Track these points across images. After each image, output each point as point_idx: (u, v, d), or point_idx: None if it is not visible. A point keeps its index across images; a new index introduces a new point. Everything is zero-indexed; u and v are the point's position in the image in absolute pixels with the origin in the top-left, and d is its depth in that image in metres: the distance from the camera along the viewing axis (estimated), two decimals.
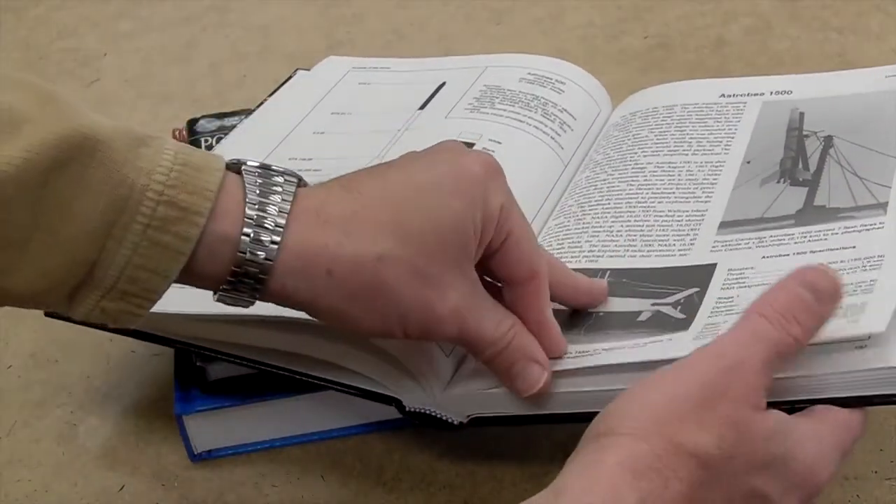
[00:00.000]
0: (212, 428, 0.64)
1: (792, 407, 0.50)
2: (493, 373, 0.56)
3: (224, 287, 0.51)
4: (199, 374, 0.64)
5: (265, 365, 0.61)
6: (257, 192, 0.50)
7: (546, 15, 1.04)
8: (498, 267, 0.55)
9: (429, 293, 0.52)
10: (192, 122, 0.82)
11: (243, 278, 0.50)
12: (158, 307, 0.62)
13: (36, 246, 0.47)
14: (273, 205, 0.50)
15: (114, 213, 0.47)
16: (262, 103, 0.80)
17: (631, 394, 0.47)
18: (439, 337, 0.55)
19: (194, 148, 0.50)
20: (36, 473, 0.65)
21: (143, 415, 0.68)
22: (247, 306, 0.52)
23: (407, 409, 0.59)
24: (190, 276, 0.50)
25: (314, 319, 0.58)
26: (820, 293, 0.49)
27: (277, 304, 0.52)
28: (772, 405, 0.48)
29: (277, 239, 0.50)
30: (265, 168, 0.51)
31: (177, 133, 0.83)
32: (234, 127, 0.78)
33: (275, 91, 0.82)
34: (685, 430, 0.45)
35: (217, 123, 0.81)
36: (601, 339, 0.57)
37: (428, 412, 0.58)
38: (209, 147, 0.78)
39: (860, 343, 0.51)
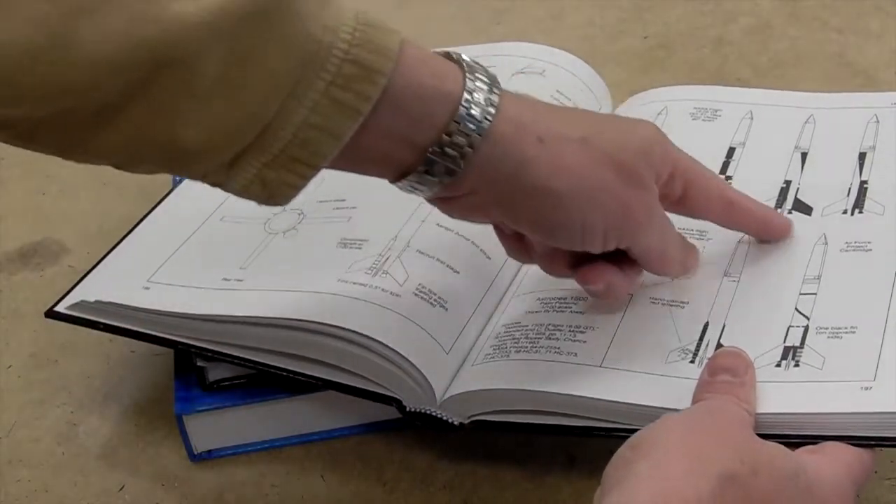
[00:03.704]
0: (212, 428, 0.64)
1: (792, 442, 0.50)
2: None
3: (432, 151, 0.50)
4: (199, 374, 0.64)
5: (265, 365, 0.61)
6: (467, 69, 0.51)
7: (546, 15, 1.04)
8: (692, 213, 0.59)
9: (628, 191, 0.53)
10: None
11: (457, 141, 0.50)
12: (158, 306, 0.62)
13: (219, 98, 0.46)
14: (485, 81, 0.51)
15: (300, 69, 0.47)
16: None
17: (656, 423, 0.48)
18: (622, 243, 0.55)
19: (367, 8, 0.50)
20: (36, 473, 0.65)
21: (143, 415, 0.68)
22: (434, 191, 0.52)
23: (407, 409, 0.59)
24: (375, 144, 0.50)
25: (314, 322, 0.58)
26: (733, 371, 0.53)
27: (465, 191, 0.52)
28: (777, 441, 0.49)
29: (494, 104, 0.51)
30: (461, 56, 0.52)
31: None
32: None
33: None
34: (708, 449, 0.46)
35: None
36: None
37: (428, 413, 0.58)
38: None
39: (866, 385, 0.51)
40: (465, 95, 0.50)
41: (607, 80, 0.80)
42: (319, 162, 0.49)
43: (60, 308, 0.65)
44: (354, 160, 0.51)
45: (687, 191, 0.57)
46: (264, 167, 0.48)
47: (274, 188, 0.49)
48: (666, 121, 0.73)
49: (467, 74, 0.51)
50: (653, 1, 1.04)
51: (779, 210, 0.64)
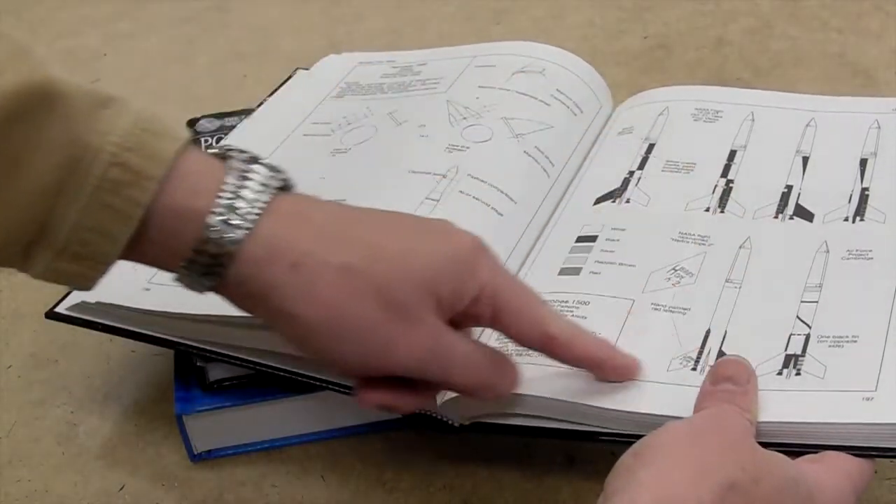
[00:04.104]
0: (212, 428, 0.64)
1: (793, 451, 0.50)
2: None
3: (181, 266, 0.50)
4: (199, 374, 0.64)
5: (265, 366, 0.61)
6: (238, 178, 0.49)
7: (546, 15, 1.04)
8: (507, 335, 0.54)
9: (390, 326, 0.50)
10: (192, 122, 0.82)
11: (203, 260, 0.49)
12: (158, 307, 0.62)
13: None
14: (252, 193, 0.49)
15: (65, 172, 0.47)
16: (262, 103, 0.80)
17: (659, 430, 0.48)
18: (393, 373, 0.52)
19: (157, 114, 0.49)
20: (36, 473, 0.65)
21: (143, 415, 0.68)
22: (202, 291, 0.51)
23: None
24: (149, 249, 0.49)
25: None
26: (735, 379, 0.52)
27: (229, 297, 0.51)
28: (778, 449, 0.49)
29: (248, 226, 0.49)
30: (254, 159, 0.51)
31: None
32: (234, 127, 0.78)
33: (275, 91, 0.82)
34: (711, 457, 0.46)
35: (217, 123, 0.81)
36: None
37: (428, 413, 0.58)
38: (209, 147, 0.78)
39: (868, 395, 0.51)
40: (215, 217, 0.48)
41: (607, 80, 0.80)
42: (106, 259, 0.49)
43: (61, 309, 0.65)
44: (138, 259, 0.50)
45: (497, 316, 0.53)
46: (55, 260, 0.48)
47: (71, 278, 0.49)
48: (667, 121, 0.73)
49: (226, 187, 0.49)
50: (653, 1, 1.04)
51: (780, 216, 0.64)
